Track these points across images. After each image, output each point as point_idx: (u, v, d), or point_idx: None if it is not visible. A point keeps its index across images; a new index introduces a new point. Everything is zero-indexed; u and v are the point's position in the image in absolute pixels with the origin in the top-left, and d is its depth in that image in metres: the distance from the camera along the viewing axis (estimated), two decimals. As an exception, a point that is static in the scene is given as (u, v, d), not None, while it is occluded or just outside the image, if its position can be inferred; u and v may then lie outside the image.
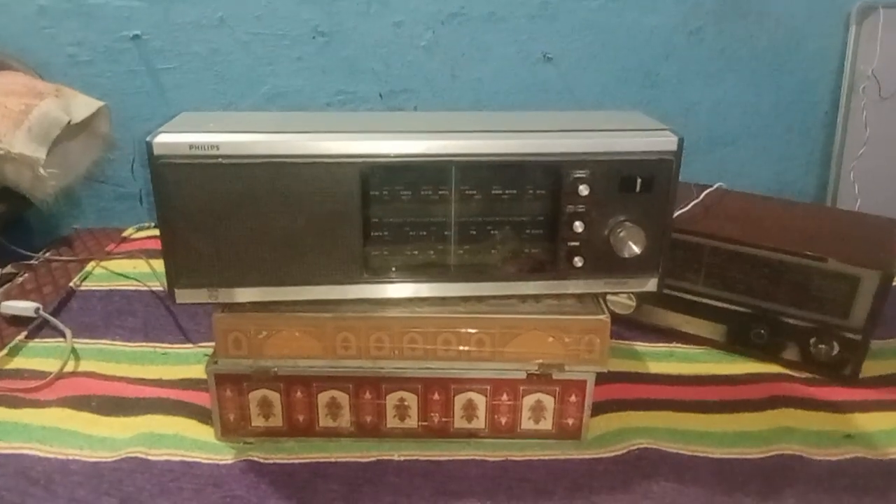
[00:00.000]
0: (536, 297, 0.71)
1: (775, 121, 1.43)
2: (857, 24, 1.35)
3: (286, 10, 1.26)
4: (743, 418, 0.78)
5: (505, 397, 0.72)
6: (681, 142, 0.65)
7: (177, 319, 0.96)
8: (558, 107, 1.37)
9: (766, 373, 0.86)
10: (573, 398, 0.72)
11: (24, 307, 0.94)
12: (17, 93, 1.06)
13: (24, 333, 0.91)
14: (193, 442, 0.73)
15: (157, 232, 0.69)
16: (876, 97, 1.36)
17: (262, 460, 0.71)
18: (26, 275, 1.07)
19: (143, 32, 1.24)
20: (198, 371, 0.83)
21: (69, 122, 1.06)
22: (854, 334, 0.81)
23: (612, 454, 0.72)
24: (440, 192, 0.65)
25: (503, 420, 0.73)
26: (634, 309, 0.92)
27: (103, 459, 0.70)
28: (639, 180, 0.66)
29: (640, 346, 0.92)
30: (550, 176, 0.66)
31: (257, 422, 0.73)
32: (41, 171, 1.02)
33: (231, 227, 0.64)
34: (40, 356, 0.87)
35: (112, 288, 1.03)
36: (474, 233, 0.67)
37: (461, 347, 0.70)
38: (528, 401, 0.73)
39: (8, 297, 0.99)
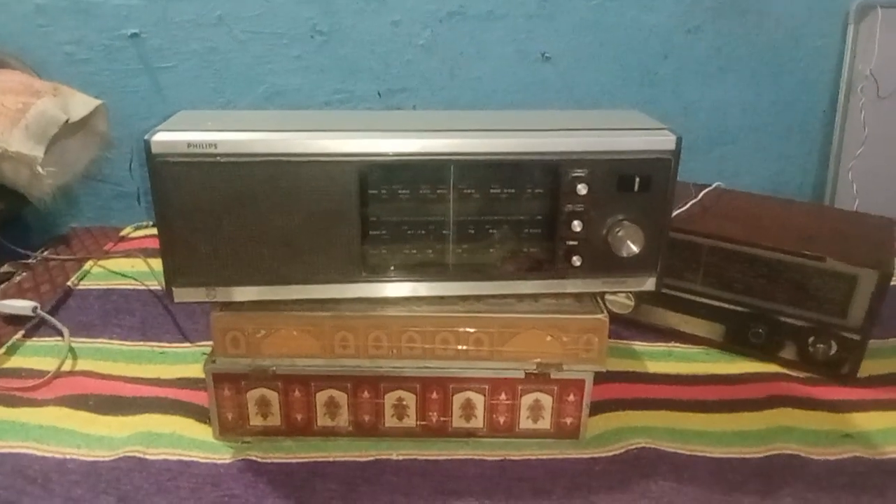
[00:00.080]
0: (535, 297, 0.71)
1: (774, 120, 1.43)
2: (855, 23, 1.35)
3: (284, 8, 1.26)
4: (741, 418, 0.78)
5: (503, 396, 0.72)
6: (679, 141, 0.65)
7: (175, 318, 0.96)
8: (557, 106, 1.37)
9: (764, 372, 0.86)
10: (571, 397, 0.72)
11: (21, 306, 0.94)
12: (15, 91, 1.06)
13: (22, 332, 0.91)
14: (191, 441, 0.73)
15: (154, 231, 0.69)
16: (874, 97, 1.36)
17: (260, 459, 0.71)
18: (24, 273, 1.07)
19: (142, 31, 1.24)
20: (196, 370, 0.83)
21: (67, 121, 1.05)
22: (852, 334, 0.81)
23: (611, 453, 0.72)
24: (438, 191, 0.65)
25: (501, 419, 0.73)
26: (633, 308, 0.92)
27: (101, 458, 0.70)
28: (637, 179, 0.66)
29: (639, 345, 0.92)
30: (549, 175, 0.66)
31: (255, 421, 0.73)
32: (39, 169, 1.02)
33: (229, 225, 0.64)
34: (38, 355, 0.87)
35: (110, 287, 1.03)
36: (472, 232, 0.67)
37: (459, 346, 0.70)
38: (527, 400, 0.73)
39: (5, 295, 0.99)
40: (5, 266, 1.08)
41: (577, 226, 0.66)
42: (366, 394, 0.72)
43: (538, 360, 0.71)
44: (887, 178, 1.39)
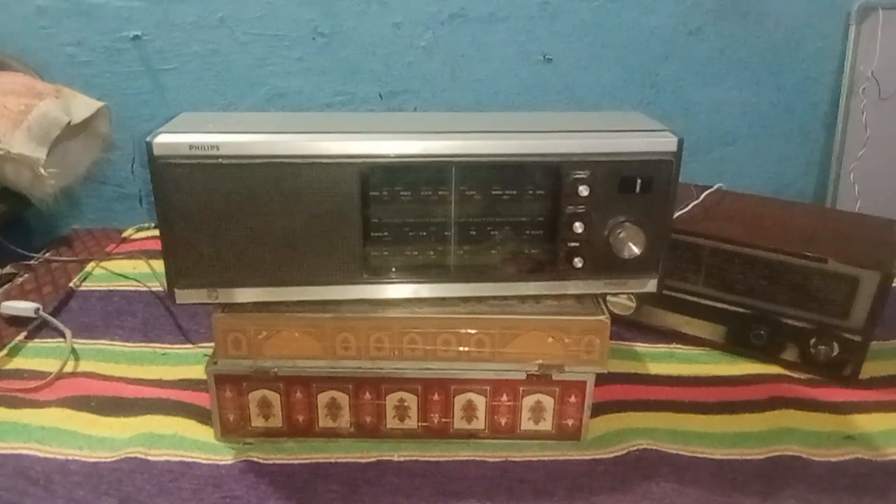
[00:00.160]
0: (536, 298, 0.71)
1: (775, 121, 1.43)
2: (856, 24, 1.35)
3: (286, 10, 1.26)
4: (743, 419, 0.78)
5: (505, 398, 0.72)
6: (681, 142, 0.65)
7: (176, 320, 0.96)
8: (558, 107, 1.37)
9: (765, 374, 0.86)
10: (573, 399, 0.72)
11: (23, 307, 0.94)
12: (17, 93, 1.06)
13: (24, 334, 0.91)
14: (193, 442, 0.73)
15: (156, 232, 0.70)
16: (876, 98, 1.36)
17: (261, 461, 0.71)
18: (26, 275, 1.07)
19: (143, 33, 1.24)
20: (197, 371, 0.83)
21: (69, 123, 1.06)
22: (854, 335, 0.81)
23: (612, 455, 0.72)
24: (440, 193, 0.65)
25: (503, 421, 0.73)
26: (634, 310, 0.92)
27: (103, 460, 0.70)
28: (638, 181, 0.66)
29: (640, 346, 0.92)
30: (550, 176, 0.66)
31: (257, 422, 0.73)
32: (41, 171, 1.02)
33: (231, 227, 0.64)
34: (40, 356, 0.87)
35: (112, 288, 1.03)
36: (474, 233, 0.67)
37: (461, 348, 0.70)
38: (528, 401, 0.73)
39: (8, 297, 0.99)
40: (7, 267, 1.08)
41: (578, 227, 0.66)
42: (367, 395, 0.72)
43: (540, 361, 0.71)
44: (889, 179, 1.39)
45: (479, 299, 0.71)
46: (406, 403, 0.72)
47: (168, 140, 0.62)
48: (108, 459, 0.70)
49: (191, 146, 0.61)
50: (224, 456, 0.71)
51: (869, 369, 0.84)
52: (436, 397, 0.72)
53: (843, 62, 1.38)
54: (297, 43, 1.28)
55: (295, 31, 1.28)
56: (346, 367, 0.71)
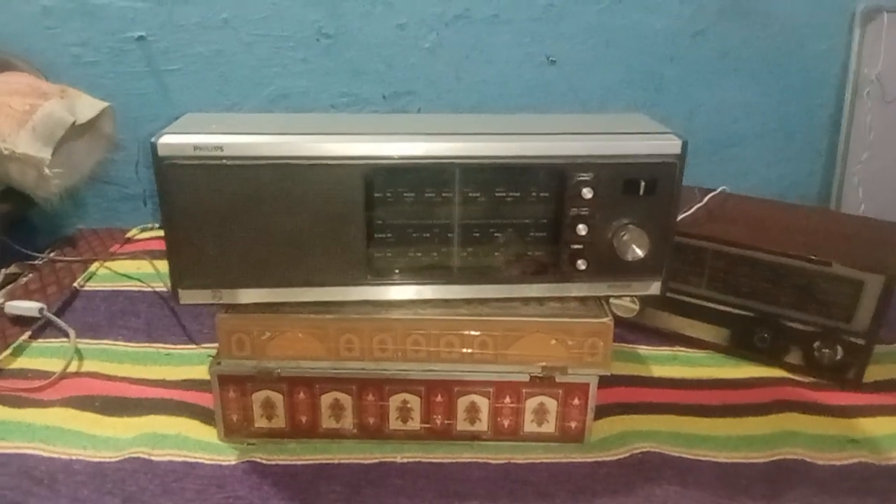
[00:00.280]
0: (539, 300, 0.71)
1: (779, 124, 1.43)
2: (861, 27, 1.34)
3: (290, 11, 1.26)
4: (746, 422, 0.78)
5: (508, 400, 0.72)
6: (684, 145, 0.65)
7: (180, 320, 0.96)
8: (562, 109, 1.36)
9: (769, 377, 0.86)
10: (576, 401, 0.72)
11: (27, 307, 0.94)
12: (22, 93, 1.07)
13: (28, 333, 0.91)
14: (196, 442, 0.73)
15: (160, 233, 0.70)
16: (880, 101, 1.36)
17: (264, 461, 0.71)
18: (30, 275, 1.07)
19: (148, 33, 1.24)
20: (201, 372, 0.83)
21: (74, 123, 1.06)
22: (858, 338, 0.81)
23: (615, 457, 0.72)
24: (444, 195, 0.65)
25: (506, 423, 0.73)
26: (637, 312, 0.92)
27: (106, 459, 0.70)
28: (642, 183, 0.66)
29: (643, 349, 0.92)
30: (554, 179, 0.66)
31: (260, 423, 0.73)
32: (46, 171, 1.02)
33: (235, 228, 0.64)
34: (44, 356, 0.87)
35: (116, 288, 1.04)
36: (478, 235, 0.67)
37: (464, 350, 0.70)
38: (531, 403, 0.73)
39: (12, 297, 0.99)
40: (12, 267, 1.08)
41: (582, 230, 0.66)
42: (370, 396, 0.72)
43: (543, 363, 0.70)
44: (893, 182, 1.39)
45: (483, 301, 0.71)
46: (409, 405, 0.72)
47: (172, 141, 0.62)
48: (112, 459, 0.70)
49: (195, 147, 0.62)
50: (227, 456, 0.72)
51: (873, 373, 0.84)
52: (439, 399, 0.72)
53: (848, 65, 1.38)
54: (302, 44, 1.29)
55: (299, 32, 1.28)
56: (350, 369, 0.71)
